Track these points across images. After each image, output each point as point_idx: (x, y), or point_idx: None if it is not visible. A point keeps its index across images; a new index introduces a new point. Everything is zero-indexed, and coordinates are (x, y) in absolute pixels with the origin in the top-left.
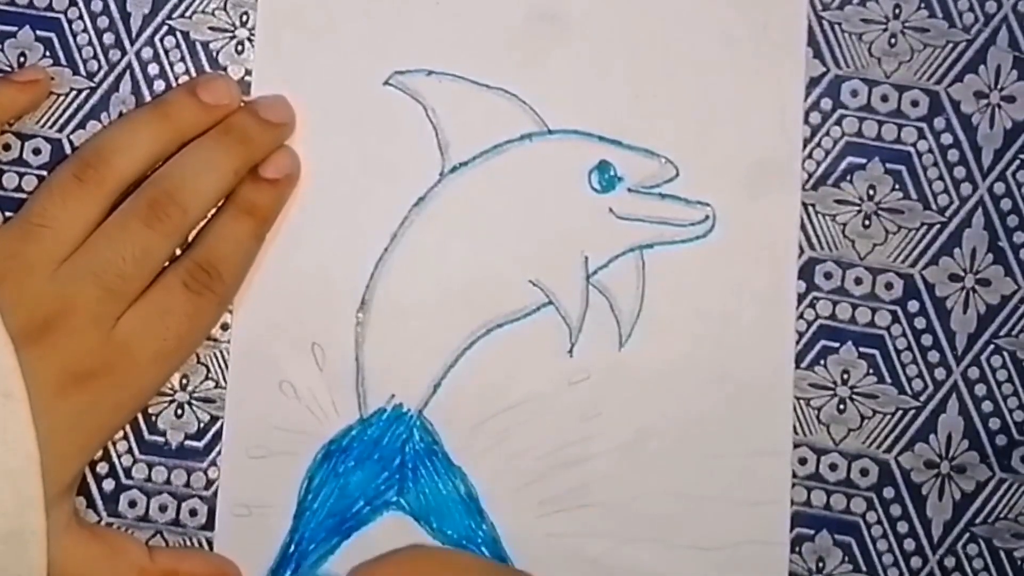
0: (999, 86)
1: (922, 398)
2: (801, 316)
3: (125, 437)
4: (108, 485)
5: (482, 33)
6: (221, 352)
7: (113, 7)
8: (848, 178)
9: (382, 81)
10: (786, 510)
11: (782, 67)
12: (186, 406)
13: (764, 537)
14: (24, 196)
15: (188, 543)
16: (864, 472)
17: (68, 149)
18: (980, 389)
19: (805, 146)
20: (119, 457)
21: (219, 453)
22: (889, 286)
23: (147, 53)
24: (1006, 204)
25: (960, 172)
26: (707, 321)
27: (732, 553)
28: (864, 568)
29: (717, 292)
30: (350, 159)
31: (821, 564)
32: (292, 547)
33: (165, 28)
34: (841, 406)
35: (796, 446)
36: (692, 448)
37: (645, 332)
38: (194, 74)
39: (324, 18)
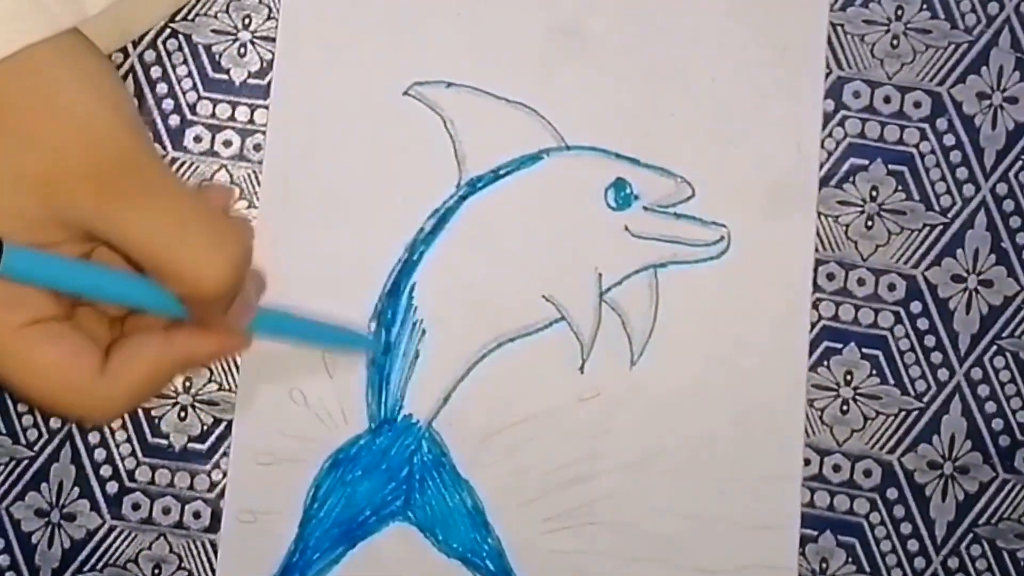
0: (1001, 87)
1: (925, 399)
2: None
3: (128, 440)
4: (112, 488)
5: (502, 47)
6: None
7: None
8: (851, 179)
9: (401, 91)
10: (795, 535)
11: (800, 90)
12: (189, 409)
13: (771, 562)
14: None
15: (192, 546)
16: (867, 473)
17: None
18: (983, 390)
19: None
20: (122, 460)
21: (223, 456)
22: (892, 287)
23: (150, 56)
24: (1008, 205)
25: (962, 173)
26: (719, 342)
27: None
28: (868, 569)
29: (730, 314)
30: (367, 168)
31: (825, 565)
32: (296, 555)
33: (168, 31)
34: (844, 407)
35: None
36: (701, 469)
37: (657, 351)
38: (196, 75)
39: (345, 27)
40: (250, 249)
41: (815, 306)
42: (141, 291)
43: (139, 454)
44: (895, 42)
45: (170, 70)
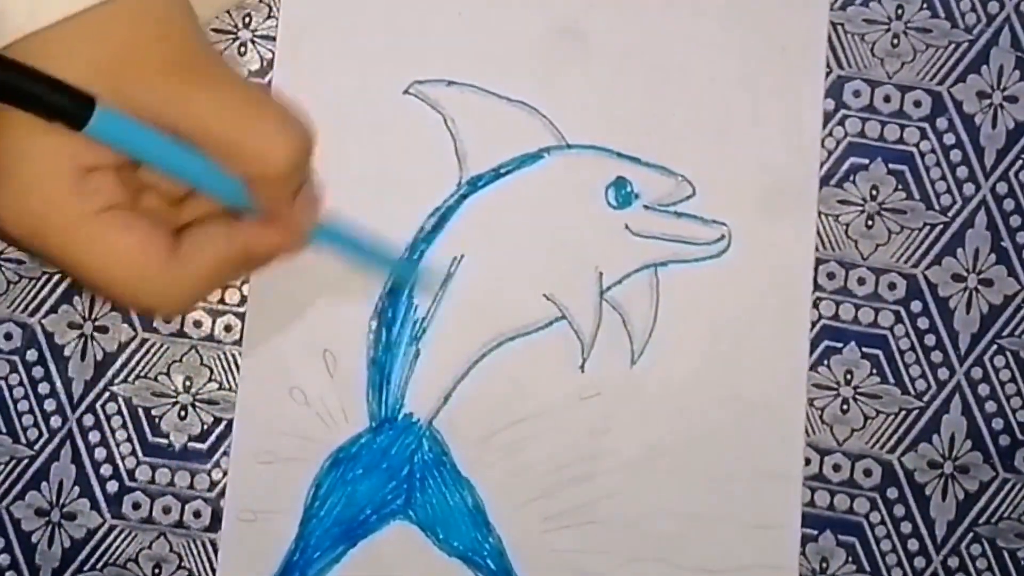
0: (1001, 86)
1: (925, 398)
2: None
3: (128, 439)
4: (112, 487)
5: (503, 46)
6: (225, 354)
7: None
8: (851, 178)
9: (402, 90)
10: (796, 535)
11: (800, 89)
12: (189, 408)
13: (771, 562)
14: None
15: (192, 545)
16: (868, 472)
17: None
18: (983, 389)
19: None
20: (123, 459)
21: (223, 455)
22: (892, 286)
23: None
24: (1009, 204)
25: (963, 172)
26: (720, 341)
27: None
28: (868, 568)
29: (731, 312)
30: (368, 167)
31: (825, 564)
32: (297, 554)
33: None
34: (844, 406)
35: None
36: (701, 468)
37: (657, 350)
38: None
39: (345, 26)
40: (313, 136)
41: (815, 305)
42: (214, 173)
43: (139, 453)
44: (895, 41)
45: None
